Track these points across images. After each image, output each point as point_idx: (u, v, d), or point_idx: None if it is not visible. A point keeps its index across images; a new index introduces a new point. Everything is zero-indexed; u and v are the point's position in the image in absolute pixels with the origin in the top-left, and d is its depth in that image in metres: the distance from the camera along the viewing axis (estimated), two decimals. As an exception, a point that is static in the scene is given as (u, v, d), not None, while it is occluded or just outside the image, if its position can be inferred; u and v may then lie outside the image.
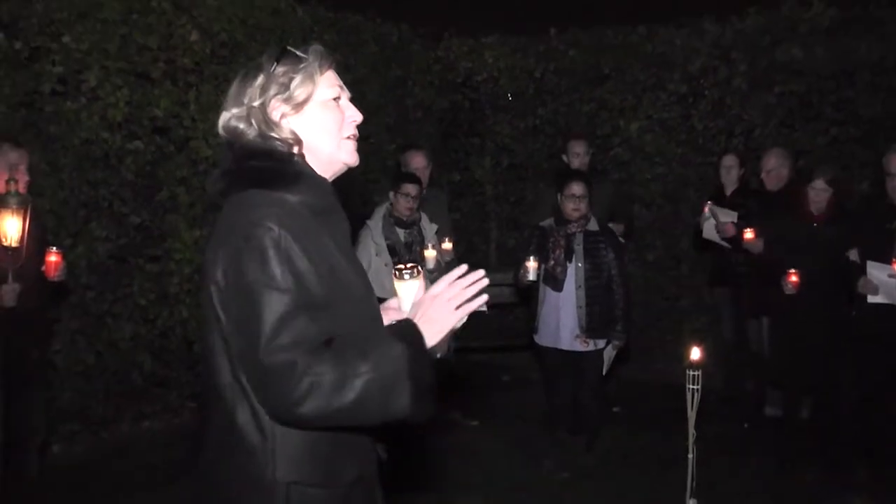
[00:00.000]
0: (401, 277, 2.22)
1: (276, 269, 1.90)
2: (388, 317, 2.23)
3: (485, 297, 2.11)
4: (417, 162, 6.47)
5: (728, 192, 6.66)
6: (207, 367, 2.09)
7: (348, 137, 2.21)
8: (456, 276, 2.07)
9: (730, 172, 6.67)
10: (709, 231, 6.58)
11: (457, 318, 2.05)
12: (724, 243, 6.49)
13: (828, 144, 7.33)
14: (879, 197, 5.52)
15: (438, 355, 2.14)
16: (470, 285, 2.07)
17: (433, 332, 2.02)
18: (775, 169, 6.33)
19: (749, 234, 6.02)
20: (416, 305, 2.08)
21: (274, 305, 1.88)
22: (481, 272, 2.10)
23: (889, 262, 5.11)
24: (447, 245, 6.03)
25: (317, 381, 1.83)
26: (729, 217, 6.33)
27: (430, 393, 1.97)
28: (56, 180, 5.67)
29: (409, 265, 2.23)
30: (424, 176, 6.36)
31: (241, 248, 1.93)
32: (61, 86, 5.64)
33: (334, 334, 1.95)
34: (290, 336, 1.86)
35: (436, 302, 2.04)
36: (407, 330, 1.99)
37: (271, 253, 1.91)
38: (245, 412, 2.00)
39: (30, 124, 5.60)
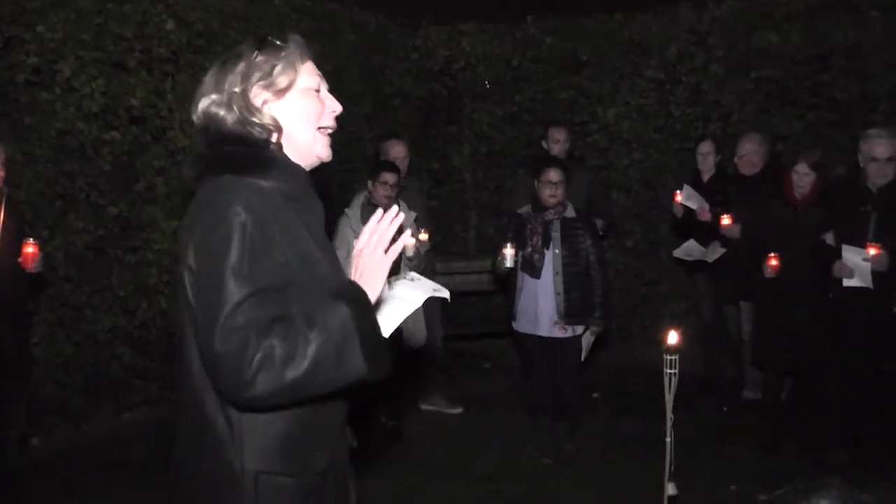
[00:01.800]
0: None
1: (238, 253, 1.90)
2: None
3: (408, 233, 2.15)
4: (397, 151, 6.46)
5: (705, 178, 6.69)
6: (180, 355, 2.09)
7: (326, 128, 2.22)
8: (374, 224, 2.07)
9: (706, 159, 6.70)
10: (682, 251, 6.74)
11: (388, 262, 2.05)
12: (702, 255, 6.60)
13: (804, 129, 7.36)
14: (854, 180, 5.55)
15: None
16: (389, 225, 2.06)
17: (372, 284, 2.03)
18: (748, 154, 6.37)
19: (726, 219, 6.06)
20: (349, 266, 2.10)
21: (233, 291, 1.87)
22: (395, 209, 2.10)
23: (863, 246, 5.16)
24: (423, 236, 6.02)
25: (267, 355, 1.82)
26: (700, 203, 6.40)
27: (382, 348, 1.98)
28: (32, 172, 5.62)
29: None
30: (403, 165, 6.36)
31: (208, 232, 1.94)
32: (36, 76, 5.59)
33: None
34: (244, 318, 1.85)
35: (363, 254, 2.05)
36: (348, 290, 1.99)
37: (237, 236, 1.91)
38: (212, 401, 2.01)
39: (4, 115, 5.56)
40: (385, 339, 2.01)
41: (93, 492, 5.12)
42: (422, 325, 5.99)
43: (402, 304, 2.20)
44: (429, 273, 6.41)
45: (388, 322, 2.12)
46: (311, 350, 1.85)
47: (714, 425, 6.18)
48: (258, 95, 2.12)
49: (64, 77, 5.64)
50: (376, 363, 1.95)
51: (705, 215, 6.33)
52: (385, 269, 2.05)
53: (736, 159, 6.46)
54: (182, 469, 2.13)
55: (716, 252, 6.49)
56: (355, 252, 2.08)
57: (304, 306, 1.94)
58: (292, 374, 1.83)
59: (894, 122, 6.26)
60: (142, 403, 6.46)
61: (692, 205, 6.40)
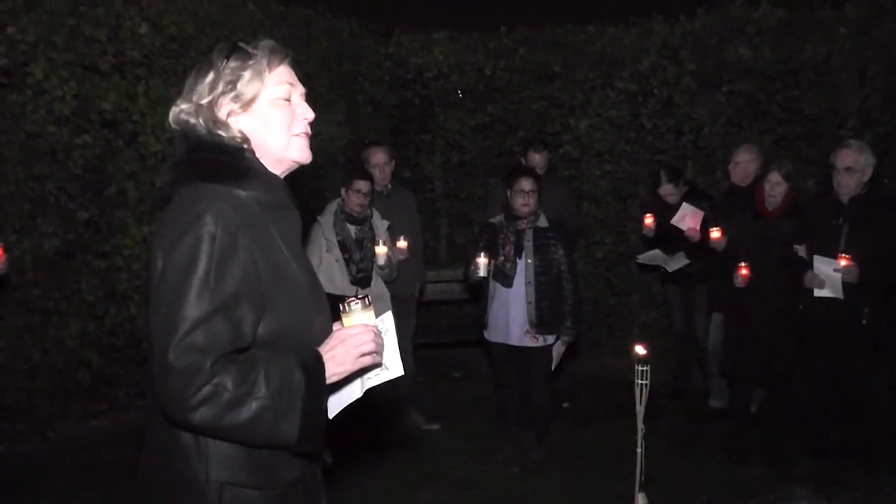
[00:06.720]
0: (348, 311, 2.17)
1: (205, 265, 1.89)
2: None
3: (380, 359, 2.15)
4: (378, 158, 6.38)
5: (673, 202, 6.67)
6: (150, 363, 2.07)
7: (298, 135, 2.20)
8: (373, 329, 2.11)
9: (671, 198, 6.70)
10: (646, 257, 6.91)
11: (358, 366, 2.08)
12: (663, 263, 6.70)
13: (774, 142, 7.46)
14: (826, 193, 5.62)
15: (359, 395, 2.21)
16: (381, 340, 2.12)
17: (334, 372, 2.05)
18: (744, 162, 6.29)
19: (716, 232, 6.01)
20: (329, 339, 2.10)
21: (196, 302, 1.86)
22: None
23: (835, 257, 5.22)
24: (402, 243, 6.01)
25: (216, 393, 1.83)
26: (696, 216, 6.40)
27: (319, 431, 2.01)
28: (1, 174, 5.57)
29: (359, 296, 2.19)
30: (385, 172, 6.33)
31: (175, 241, 1.92)
32: (6, 78, 5.54)
33: (252, 338, 1.96)
34: (205, 338, 1.85)
35: (345, 343, 2.06)
36: (312, 364, 2.01)
37: (204, 247, 1.90)
38: None
39: (-26, 118, 5.51)
40: (324, 422, 2.04)
41: (59, 499, 5.06)
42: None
43: (347, 391, 2.22)
44: (417, 282, 6.47)
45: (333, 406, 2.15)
46: (255, 407, 1.87)
47: (683, 435, 6.21)
48: (223, 107, 2.11)
49: (35, 79, 5.58)
50: (308, 442, 1.99)
51: (696, 235, 6.31)
52: (352, 369, 2.08)
53: (731, 166, 6.40)
54: (148, 477, 2.12)
55: (678, 262, 6.55)
56: (340, 333, 2.09)
57: (269, 352, 1.97)
58: (230, 420, 1.86)
59: (862, 137, 6.35)
60: (109, 410, 6.39)
61: (683, 226, 6.38)
